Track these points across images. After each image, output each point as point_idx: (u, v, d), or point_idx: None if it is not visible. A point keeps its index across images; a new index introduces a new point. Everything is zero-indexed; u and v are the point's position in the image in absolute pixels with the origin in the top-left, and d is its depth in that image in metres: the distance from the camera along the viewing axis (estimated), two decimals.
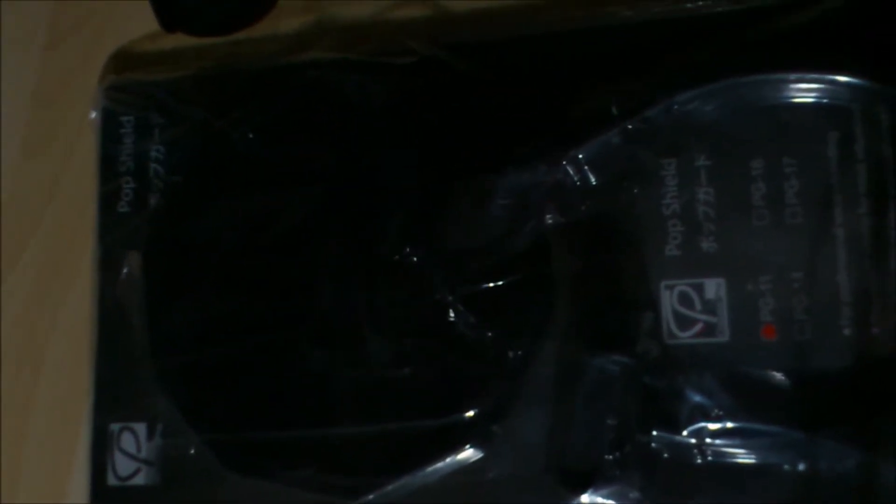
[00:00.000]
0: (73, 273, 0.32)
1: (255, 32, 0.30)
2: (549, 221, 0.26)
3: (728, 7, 0.26)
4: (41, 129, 0.33)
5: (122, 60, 0.32)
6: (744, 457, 0.25)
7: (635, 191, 0.26)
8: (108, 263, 0.30)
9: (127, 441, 0.29)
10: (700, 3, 0.26)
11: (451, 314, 0.27)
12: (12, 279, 0.33)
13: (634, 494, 0.25)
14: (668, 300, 0.26)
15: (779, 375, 0.25)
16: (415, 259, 0.27)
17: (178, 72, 0.30)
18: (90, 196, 0.31)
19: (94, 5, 0.33)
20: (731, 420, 0.25)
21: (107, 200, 0.30)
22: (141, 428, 0.29)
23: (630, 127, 0.26)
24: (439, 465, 0.26)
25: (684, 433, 0.25)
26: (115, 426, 0.29)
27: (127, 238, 0.30)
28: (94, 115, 0.31)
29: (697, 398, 0.25)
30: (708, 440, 0.25)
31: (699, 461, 0.25)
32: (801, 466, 0.24)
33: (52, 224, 0.33)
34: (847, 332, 0.25)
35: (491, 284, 0.26)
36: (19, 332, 0.33)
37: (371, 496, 0.27)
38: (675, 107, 0.26)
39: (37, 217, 0.33)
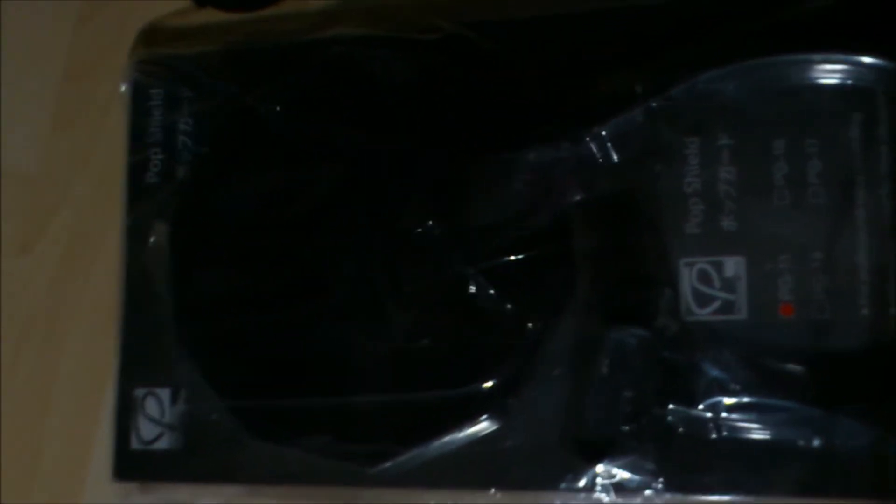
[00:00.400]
0: (101, 242, 0.32)
1: (283, 9, 0.30)
2: (571, 197, 0.26)
3: None
4: (72, 103, 0.33)
5: (152, 35, 0.32)
6: (759, 432, 0.25)
7: (657, 168, 0.26)
8: (135, 232, 0.30)
9: (151, 406, 0.29)
10: None
11: (472, 287, 0.26)
12: (42, 247, 0.33)
13: (650, 466, 0.25)
14: (688, 277, 0.25)
15: (796, 353, 0.25)
16: (437, 232, 0.27)
17: (206, 46, 0.30)
18: (119, 168, 0.31)
19: None
20: (748, 395, 0.25)
21: (135, 171, 0.30)
22: (165, 393, 0.29)
23: (654, 105, 0.26)
24: (456, 434, 0.26)
25: (700, 407, 0.25)
26: (139, 391, 0.29)
27: (154, 208, 0.30)
28: (124, 88, 0.31)
29: (714, 373, 0.25)
30: (724, 414, 0.25)
31: (714, 435, 0.25)
32: (816, 442, 0.24)
33: (82, 194, 0.33)
34: (865, 311, 0.24)
35: (511, 258, 0.26)
36: (46, 300, 0.33)
37: (388, 464, 0.27)
38: (699, 86, 0.25)
39: (66, 187, 0.33)
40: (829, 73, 0.25)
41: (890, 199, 0.24)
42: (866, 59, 0.24)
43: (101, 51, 0.33)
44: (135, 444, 0.29)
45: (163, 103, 0.30)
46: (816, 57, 0.25)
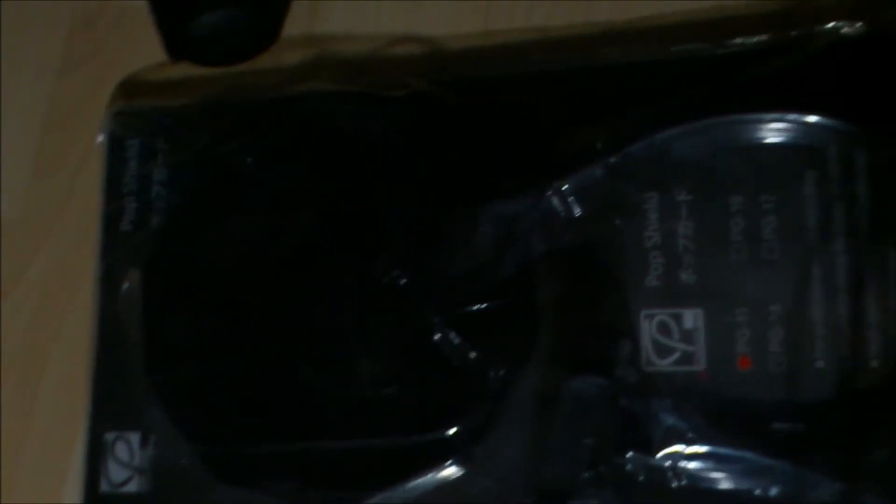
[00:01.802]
0: (76, 288, 0.31)
1: (258, 64, 0.30)
2: (535, 250, 0.26)
3: (710, 51, 0.25)
4: (51, 152, 0.33)
5: (130, 88, 0.31)
6: (717, 481, 0.24)
7: (618, 222, 0.25)
8: (108, 279, 0.29)
9: (121, 449, 0.28)
10: (683, 46, 0.25)
11: (437, 335, 0.26)
12: (18, 293, 0.32)
13: None
14: (648, 329, 0.25)
15: (753, 404, 0.24)
16: (404, 282, 0.26)
17: (183, 99, 0.30)
18: (95, 217, 0.30)
19: (106, 36, 0.33)
20: (706, 444, 0.24)
21: (110, 219, 0.30)
22: (135, 437, 0.28)
23: (613, 161, 0.25)
24: (420, 481, 0.26)
25: (659, 455, 0.24)
26: (110, 435, 0.28)
27: (128, 255, 0.29)
28: (101, 138, 0.30)
29: (672, 422, 0.24)
30: (682, 463, 0.24)
31: (674, 483, 0.24)
32: (773, 492, 0.23)
33: (58, 242, 0.32)
34: (821, 364, 0.24)
35: (476, 308, 0.26)
36: (22, 343, 0.32)
37: None
38: (658, 143, 0.25)
39: (43, 235, 0.32)
40: (783, 132, 0.24)
41: (844, 255, 0.24)
42: (818, 119, 0.24)
43: (80, 102, 0.32)
44: (104, 487, 0.28)
45: (138, 154, 0.30)
46: (770, 116, 0.24)
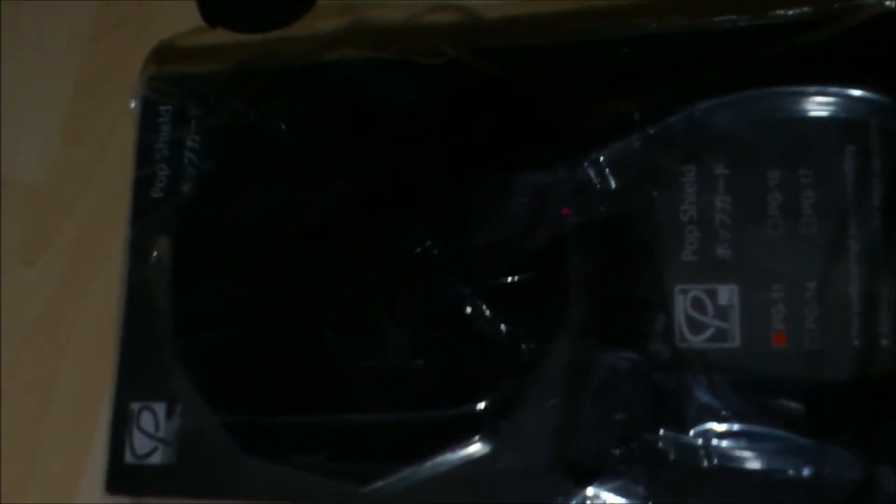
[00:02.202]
0: (104, 256, 0.32)
1: (293, 31, 0.30)
2: (569, 221, 0.26)
3: (750, 21, 0.25)
4: (82, 117, 0.33)
5: (164, 53, 0.32)
6: (749, 460, 0.24)
7: (654, 195, 0.25)
8: (138, 246, 0.30)
9: (146, 420, 0.29)
10: (723, 17, 0.26)
11: (468, 308, 0.26)
12: (45, 259, 0.33)
13: (640, 490, 0.24)
14: (682, 304, 0.25)
15: (787, 382, 0.24)
16: (435, 252, 0.26)
17: (216, 66, 0.30)
18: (125, 183, 0.30)
19: (139, 2, 0.33)
20: (738, 423, 0.24)
21: (141, 186, 0.30)
22: (160, 407, 0.28)
23: (651, 133, 0.25)
24: (448, 455, 0.26)
25: (691, 433, 0.24)
26: (135, 405, 0.29)
27: (158, 222, 0.29)
28: (133, 103, 0.30)
29: (705, 399, 0.24)
30: (714, 441, 0.24)
31: (705, 462, 0.24)
32: (806, 472, 0.24)
33: (87, 208, 0.33)
34: (857, 342, 0.24)
35: (508, 280, 0.26)
36: (49, 310, 0.32)
37: (380, 483, 0.26)
38: (696, 115, 0.25)
39: (72, 201, 0.33)
40: (824, 106, 0.24)
41: (882, 231, 0.24)
42: (860, 93, 0.24)
43: (113, 67, 0.33)
44: (128, 458, 0.29)
45: (171, 120, 0.30)
46: (811, 89, 0.24)
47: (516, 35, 0.28)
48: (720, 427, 0.24)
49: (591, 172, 0.26)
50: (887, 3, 0.24)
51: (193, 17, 0.30)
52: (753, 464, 0.24)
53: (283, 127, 0.28)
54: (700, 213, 0.25)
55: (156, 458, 0.28)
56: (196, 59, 0.31)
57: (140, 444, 0.28)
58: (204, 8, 0.29)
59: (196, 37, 0.31)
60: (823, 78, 0.24)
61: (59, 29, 0.34)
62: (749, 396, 0.24)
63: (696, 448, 0.24)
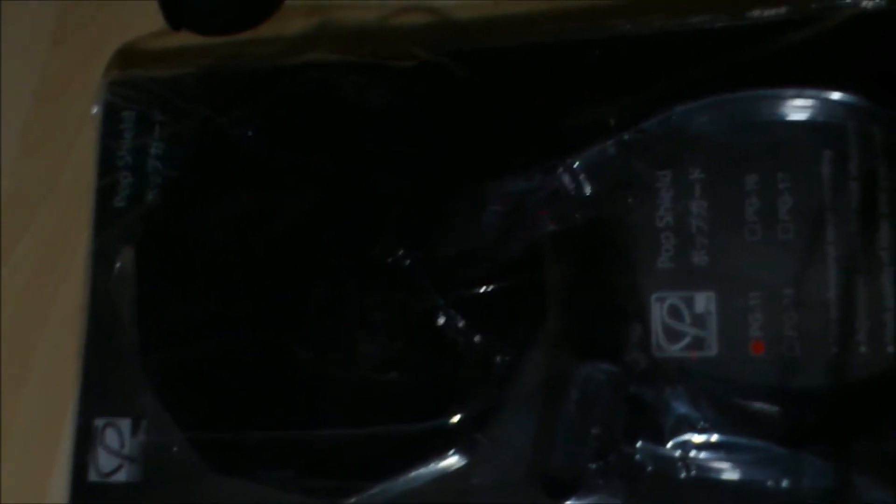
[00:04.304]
0: (67, 267, 0.33)
1: (260, 33, 0.31)
2: (543, 229, 0.27)
3: (727, 23, 0.27)
4: (42, 125, 0.34)
5: (127, 57, 0.33)
6: (727, 471, 0.25)
7: (630, 201, 0.27)
8: (101, 258, 0.31)
9: (111, 437, 0.30)
10: (699, 18, 0.27)
11: (441, 318, 0.27)
12: (7, 272, 0.34)
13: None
14: (659, 312, 0.26)
15: (765, 391, 0.25)
16: (407, 262, 0.28)
17: (181, 69, 0.31)
18: (88, 192, 0.31)
19: (103, 4, 0.34)
20: (717, 433, 0.25)
21: (103, 195, 0.31)
22: (125, 424, 0.30)
23: (626, 138, 0.27)
24: (422, 470, 0.27)
25: (669, 445, 0.26)
26: (99, 421, 0.30)
27: (121, 233, 0.31)
28: (95, 109, 0.32)
29: (683, 410, 0.26)
30: (692, 453, 0.25)
31: (683, 474, 0.25)
32: (785, 483, 0.25)
33: (49, 218, 0.34)
34: (834, 350, 0.25)
35: (482, 290, 0.27)
36: (10, 324, 0.33)
37: (353, 500, 0.27)
38: (672, 119, 0.27)
39: (34, 211, 0.34)
40: (801, 109, 0.26)
41: (860, 237, 0.25)
42: (837, 96, 0.26)
43: (74, 71, 0.34)
44: (92, 476, 0.30)
45: (134, 126, 0.31)
46: (788, 93, 0.26)
47: (489, 37, 0.29)
48: (698, 438, 0.25)
49: (566, 178, 0.27)
50: (864, 4, 0.26)
51: (157, 20, 0.31)
52: (732, 475, 0.25)
53: (251, 132, 0.30)
54: (676, 219, 0.26)
55: (121, 476, 0.29)
56: (160, 63, 0.32)
57: (104, 461, 0.30)
58: (167, 10, 0.30)
59: (160, 40, 0.32)
60: (800, 80, 0.26)
61: (19, 32, 0.35)
62: (727, 406, 0.25)
63: (674, 460, 0.26)
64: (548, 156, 0.27)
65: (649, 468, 0.26)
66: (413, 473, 0.27)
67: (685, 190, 0.27)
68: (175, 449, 0.29)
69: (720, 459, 0.25)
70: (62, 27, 0.34)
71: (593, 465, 0.26)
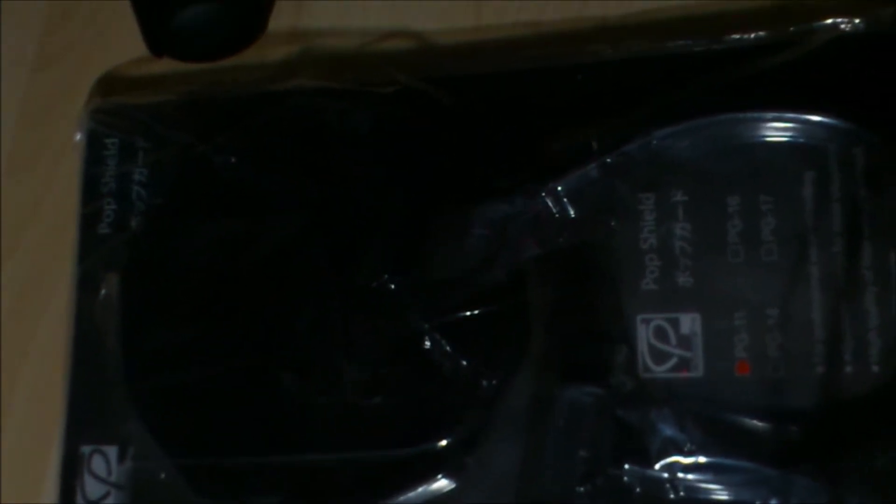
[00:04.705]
0: (51, 294, 0.33)
1: (242, 60, 0.31)
2: (527, 252, 0.27)
3: (707, 47, 0.27)
4: (25, 151, 0.34)
5: (109, 84, 0.33)
6: (716, 493, 0.25)
7: (613, 224, 0.27)
8: (86, 284, 0.30)
9: (98, 464, 0.29)
10: (679, 42, 0.27)
11: (427, 343, 0.27)
12: None
13: None
14: (644, 334, 0.26)
15: (752, 412, 0.25)
16: (392, 287, 0.28)
17: (164, 96, 0.31)
18: (71, 218, 0.31)
19: (84, 31, 0.34)
20: (704, 455, 0.25)
21: (87, 221, 0.31)
22: (112, 451, 0.29)
23: (609, 161, 0.27)
24: (411, 494, 0.27)
25: (656, 467, 0.25)
26: (86, 448, 0.29)
27: (106, 259, 0.30)
28: (79, 136, 0.31)
29: (670, 432, 0.25)
30: (680, 475, 0.25)
31: (671, 496, 0.25)
32: (773, 503, 0.25)
33: (33, 244, 0.33)
34: (820, 370, 0.25)
35: (467, 314, 0.27)
36: None
37: None
38: (654, 143, 0.27)
39: (17, 237, 0.33)
40: (782, 132, 0.26)
41: (843, 257, 0.25)
42: (818, 118, 0.26)
43: (56, 99, 0.34)
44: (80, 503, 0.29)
45: (118, 153, 0.31)
46: (769, 115, 0.26)
47: (471, 62, 0.29)
48: (686, 460, 0.25)
49: (549, 202, 0.27)
50: (843, 26, 0.26)
51: (139, 46, 0.31)
52: (720, 496, 0.25)
53: (234, 159, 0.29)
54: (660, 241, 0.26)
55: (109, 503, 0.29)
56: (143, 90, 0.32)
57: (92, 488, 0.29)
58: (149, 37, 0.30)
59: (142, 66, 0.32)
60: (781, 103, 0.26)
61: (1, 59, 0.34)
62: (714, 427, 0.25)
63: (661, 482, 0.25)
64: (531, 180, 0.27)
65: (637, 490, 0.26)
66: (401, 498, 0.27)
67: (668, 212, 0.27)
68: (162, 475, 0.29)
69: (708, 481, 0.25)
70: (44, 54, 0.34)
71: (581, 488, 0.26)
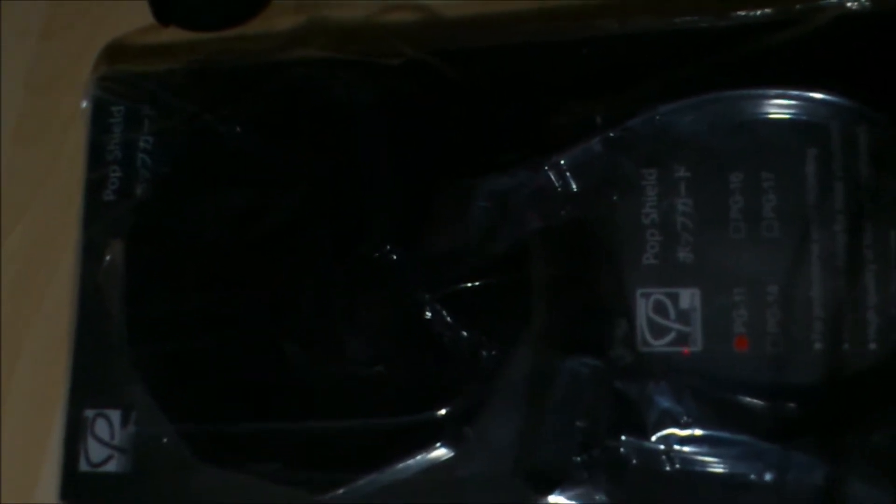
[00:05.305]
0: (57, 260, 0.32)
1: (248, 30, 0.31)
2: (529, 226, 0.27)
3: (712, 23, 0.26)
4: (33, 119, 0.34)
5: (116, 52, 0.32)
6: (711, 465, 0.25)
7: (615, 199, 0.26)
8: (90, 251, 0.30)
9: (101, 427, 0.29)
10: (685, 18, 0.27)
11: (428, 314, 0.27)
12: None
13: (601, 497, 0.25)
14: (643, 308, 0.26)
15: (749, 386, 0.25)
16: (394, 258, 0.27)
17: (170, 65, 0.31)
18: (78, 186, 0.31)
19: (92, 0, 0.33)
20: (700, 428, 0.25)
21: (93, 188, 0.31)
22: (115, 415, 0.29)
23: (612, 136, 0.26)
24: (409, 462, 0.27)
25: (653, 439, 0.25)
26: (89, 412, 0.29)
27: (111, 226, 0.30)
28: (85, 104, 0.31)
29: (667, 405, 0.25)
30: (676, 447, 0.25)
31: (667, 468, 0.25)
32: (769, 477, 0.25)
33: (40, 212, 0.33)
34: (818, 346, 0.25)
35: (468, 285, 0.27)
36: (2, 317, 0.33)
37: (340, 491, 0.27)
38: (658, 118, 0.26)
39: (25, 205, 0.33)
40: (785, 109, 0.26)
41: (844, 235, 0.25)
42: (822, 96, 0.25)
43: (64, 66, 0.33)
44: (83, 466, 0.29)
45: (123, 120, 0.31)
46: (772, 92, 0.25)
47: (477, 35, 0.29)
48: (682, 432, 0.25)
49: (552, 176, 0.27)
50: (849, 4, 0.25)
51: (146, 16, 0.30)
52: (716, 469, 0.25)
53: (239, 128, 0.29)
54: (662, 216, 0.26)
55: (111, 467, 0.29)
56: (149, 58, 0.31)
57: (95, 451, 0.29)
58: (156, 6, 0.30)
59: (148, 36, 0.32)
60: (785, 80, 0.25)
61: (9, 27, 0.34)
62: (711, 401, 0.25)
63: (658, 454, 0.25)
64: (534, 153, 0.27)
65: (634, 461, 0.25)
66: (400, 465, 0.27)
67: (670, 188, 0.26)
68: (164, 440, 0.29)
69: (704, 453, 0.25)
70: (51, 23, 0.34)
71: (578, 459, 0.26)
